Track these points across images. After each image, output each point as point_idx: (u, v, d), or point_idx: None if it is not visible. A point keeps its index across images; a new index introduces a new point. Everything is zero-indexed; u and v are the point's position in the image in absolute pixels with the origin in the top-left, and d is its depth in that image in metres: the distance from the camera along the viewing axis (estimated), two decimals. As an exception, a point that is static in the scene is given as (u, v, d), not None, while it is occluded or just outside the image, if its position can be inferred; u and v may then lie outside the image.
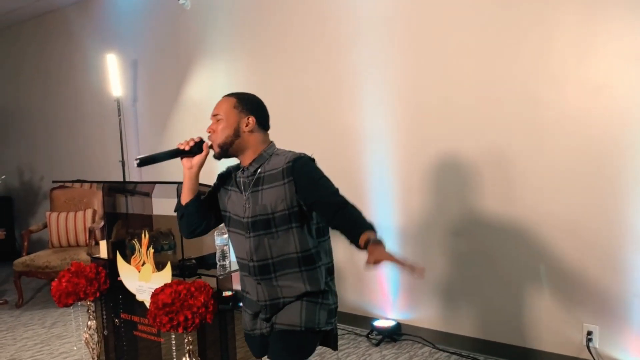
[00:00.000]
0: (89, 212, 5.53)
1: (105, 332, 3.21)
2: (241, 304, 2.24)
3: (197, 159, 2.01)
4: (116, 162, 5.56)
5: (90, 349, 3.11)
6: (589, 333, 3.21)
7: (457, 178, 3.63)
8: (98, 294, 3.04)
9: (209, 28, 4.90)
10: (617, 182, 3.07)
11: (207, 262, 2.92)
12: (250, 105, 1.98)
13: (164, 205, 3.00)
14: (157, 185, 2.95)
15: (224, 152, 1.97)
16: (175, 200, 2.18)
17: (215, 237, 2.80)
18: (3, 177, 5.67)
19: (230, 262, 2.84)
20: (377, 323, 3.97)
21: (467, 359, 3.58)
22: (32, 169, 7.00)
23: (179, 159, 2.08)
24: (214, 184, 2.15)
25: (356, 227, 1.77)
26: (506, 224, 3.46)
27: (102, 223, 5.62)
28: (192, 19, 5.01)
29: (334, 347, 2.10)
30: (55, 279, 3.02)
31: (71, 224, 5.48)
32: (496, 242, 3.52)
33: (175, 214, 2.17)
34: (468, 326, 3.69)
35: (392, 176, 3.93)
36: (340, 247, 4.12)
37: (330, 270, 2.05)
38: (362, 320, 4.12)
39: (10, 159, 7.20)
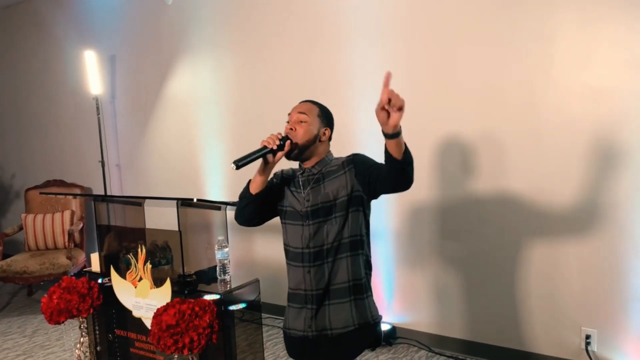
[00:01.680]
0: (67, 213, 5.34)
1: (99, 349, 3.09)
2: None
3: (279, 154, 2.03)
4: (96, 162, 5.36)
5: (83, 367, 3.00)
6: (587, 337, 3.23)
7: (453, 179, 3.60)
8: (92, 311, 2.91)
9: (192, 23, 4.74)
10: (616, 186, 3.07)
11: (207, 276, 2.82)
12: (329, 118, 2.12)
13: (156, 217, 2.90)
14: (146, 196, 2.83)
15: (299, 152, 2.05)
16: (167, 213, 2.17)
17: (216, 252, 2.72)
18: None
19: (230, 276, 2.75)
20: (372, 327, 3.93)
21: (464, 362, 3.58)
22: (3, 166, 6.72)
23: None
24: (273, 181, 2.18)
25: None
26: (503, 227, 3.44)
27: (81, 225, 5.46)
28: (174, 14, 4.84)
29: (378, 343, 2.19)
30: (45, 296, 2.88)
31: (48, 226, 5.29)
32: (493, 244, 3.50)
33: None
34: (464, 329, 3.69)
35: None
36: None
37: (369, 264, 2.13)
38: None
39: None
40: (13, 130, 6.50)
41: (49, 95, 6.02)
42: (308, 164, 2.11)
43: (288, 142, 2.02)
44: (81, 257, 5.22)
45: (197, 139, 4.85)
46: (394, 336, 3.92)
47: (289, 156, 2.05)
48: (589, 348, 3.23)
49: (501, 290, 3.51)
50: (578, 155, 3.17)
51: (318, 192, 2.05)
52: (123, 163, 5.44)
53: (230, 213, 2.47)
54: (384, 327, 3.91)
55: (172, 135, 5.04)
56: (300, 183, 2.11)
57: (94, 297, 2.92)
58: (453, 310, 3.72)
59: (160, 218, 2.95)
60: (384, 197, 3.82)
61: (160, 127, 5.11)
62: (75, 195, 3.39)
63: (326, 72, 4.05)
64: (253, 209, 2.08)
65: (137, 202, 3.00)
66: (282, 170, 2.21)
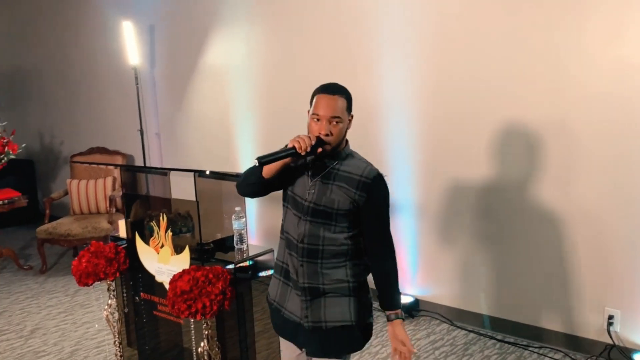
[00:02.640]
0: (109, 180, 5.55)
1: (126, 310, 3.25)
2: (272, 272, 2.24)
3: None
4: (135, 131, 5.54)
5: (112, 326, 3.16)
6: (610, 317, 3.18)
7: (480, 154, 3.55)
8: (118, 274, 3.06)
9: (227, -6, 4.78)
10: (646, 166, 2.97)
11: (225, 245, 2.91)
12: (350, 104, 2.02)
13: (181, 187, 2.99)
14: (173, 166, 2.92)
15: (332, 150, 1.97)
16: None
17: (233, 221, 2.79)
18: (24, 145, 5.69)
19: (247, 245, 2.83)
20: (395, 299, 3.97)
21: (485, 337, 3.58)
22: (53, 133, 7.02)
23: None
24: None
25: (390, 293, 2.02)
26: (530, 204, 3.38)
27: (122, 191, 5.67)
28: (209, -15, 4.88)
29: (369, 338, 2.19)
30: (75, 259, 3.04)
31: (92, 192, 5.52)
32: (519, 221, 3.45)
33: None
34: (487, 304, 3.68)
35: (414, 150, 3.86)
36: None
37: (368, 269, 2.09)
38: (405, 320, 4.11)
39: (32, 121, 7.22)
40: (62, 99, 6.76)
41: (92, 65, 6.21)
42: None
43: (320, 149, 1.93)
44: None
45: (231, 108, 4.93)
46: (416, 308, 3.95)
47: (320, 154, 1.95)
48: (611, 328, 3.17)
49: (525, 268, 3.47)
50: (607, 138, 3.07)
51: (324, 190, 1.97)
52: (162, 131, 5.60)
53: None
54: (407, 299, 3.94)
55: (207, 105, 5.13)
56: (311, 170, 2.02)
57: (120, 262, 3.05)
58: (476, 285, 3.71)
59: (188, 188, 3.05)
60: (411, 170, 3.83)
61: (196, 97, 5.21)
62: (100, 165, 3.52)
63: (359, 43, 4.02)
64: (257, 189, 2.05)
65: (161, 172, 3.11)
66: None
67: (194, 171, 2.70)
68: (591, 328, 3.27)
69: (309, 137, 1.91)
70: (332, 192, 1.97)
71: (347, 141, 2.06)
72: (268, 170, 1.99)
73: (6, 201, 5.16)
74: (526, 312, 3.51)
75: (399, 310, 2.01)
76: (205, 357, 2.60)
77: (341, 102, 1.96)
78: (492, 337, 3.56)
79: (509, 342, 3.49)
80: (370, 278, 2.08)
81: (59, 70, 6.71)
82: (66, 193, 5.69)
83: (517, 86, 3.34)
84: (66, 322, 4.13)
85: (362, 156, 2.08)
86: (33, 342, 3.83)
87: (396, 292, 2.03)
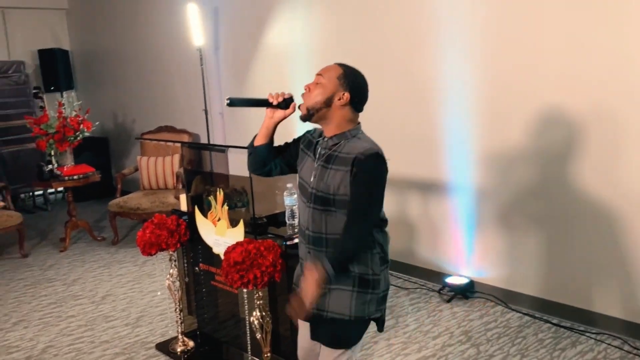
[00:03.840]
0: (176, 157, 5.79)
1: (187, 280, 3.43)
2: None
3: (279, 113, 2.05)
4: (200, 110, 5.73)
5: (173, 294, 3.34)
6: (673, 305, 3.06)
7: (542, 137, 3.47)
8: (179, 245, 3.22)
9: (288, -25, 4.83)
10: None
11: (278, 220, 3.01)
12: (352, 83, 1.95)
13: (239, 164, 3.10)
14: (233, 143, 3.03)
15: (309, 116, 1.97)
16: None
17: (285, 197, 2.88)
18: (97, 123, 6.00)
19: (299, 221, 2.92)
20: (450, 280, 3.97)
21: (540, 320, 3.53)
22: (125, 112, 7.37)
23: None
24: (297, 139, 2.17)
25: (334, 254, 1.89)
26: (591, 187, 3.28)
27: (183, 167, 5.90)
28: (272, -34, 4.95)
29: (381, 329, 2.12)
30: (140, 230, 3.22)
31: (160, 168, 5.77)
32: (577, 204, 3.36)
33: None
34: (542, 287, 3.62)
35: (472, 131, 3.81)
36: (413, 202, 4.11)
37: (383, 260, 2.02)
38: (435, 276, 4.13)
39: (105, 101, 7.60)
40: (133, 79, 7.07)
41: (160, 47, 6.45)
42: (327, 132, 1.99)
43: (293, 103, 1.99)
44: (187, 197, 5.68)
45: (290, 89, 5.00)
46: (471, 290, 3.93)
47: (303, 120, 1.98)
48: (674, 317, 3.06)
49: (580, 253, 3.39)
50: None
51: (323, 175, 1.94)
52: (226, 111, 5.77)
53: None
54: (462, 280, 3.93)
55: (268, 86, 5.22)
56: (317, 152, 2.01)
57: (181, 234, 3.21)
58: (532, 267, 3.65)
59: (245, 165, 3.16)
60: (469, 151, 3.79)
61: (258, 78, 5.32)
62: (161, 141, 3.69)
63: (423, 23, 3.98)
64: (255, 160, 2.12)
65: (220, 149, 3.23)
66: (315, 129, 2.12)
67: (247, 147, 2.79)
68: (650, 315, 3.16)
69: (287, 93, 2.04)
70: (329, 177, 1.92)
71: (358, 124, 2.00)
72: (257, 138, 2.11)
73: (81, 176, 5.49)
74: (584, 297, 3.42)
75: (328, 266, 1.83)
76: (257, 326, 2.71)
77: (334, 68, 1.97)
78: (547, 321, 3.51)
79: (564, 327, 3.42)
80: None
81: (130, 52, 7.00)
82: (136, 169, 5.98)
83: (575, 70, 3.23)
84: (134, 290, 4.39)
85: (371, 139, 1.98)
86: (103, 307, 4.10)
87: (339, 257, 1.88)
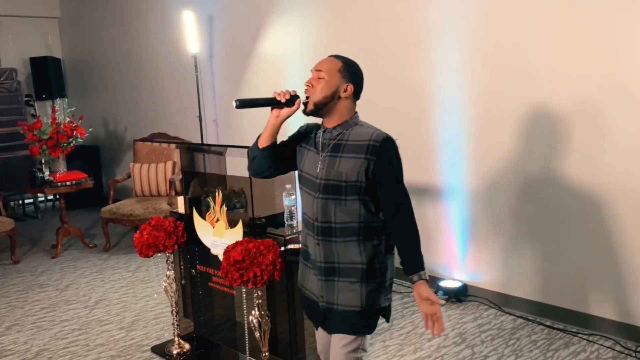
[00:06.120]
0: (169, 164, 5.80)
1: (183, 282, 3.43)
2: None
3: (285, 111, 2.04)
4: (194, 117, 5.75)
5: (169, 297, 3.34)
6: (664, 305, 3.12)
7: (532, 138, 3.53)
8: (176, 247, 3.23)
9: (283, -16, 4.90)
10: None
11: (276, 221, 3.03)
12: (352, 74, 2.01)
13: (236, 166, 3.13)
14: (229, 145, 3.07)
15: (316, 110, 1.99)
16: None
17: (284, 198, 2.90)
18: (90, 129, 6.01)
19: (297, 222, 2.94)
20: (443, 283, 4.01)
21: (534, 323, 3.57)
22: (116, 120, 7.37)
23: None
24: (293, 136, 2.19)
25: (410, 255, 1.98)
26: (582, 189, 3.35)
27: (182, 175, 5.91)
28: (267, -25, 5.02)
29: (387, 319, 2.15)
30: (137, 232, 3.23)
31: (153, 175, 5.77)
32: (570, 207, 3.42)
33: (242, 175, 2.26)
34: (535, 290, 3.66)
35: (464, 134, 3.87)
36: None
37: (389, 249, 2.07)
38: (429, 280, 4.15)
39: (97, 109, 7.58)
40: (126, 86, 7.08)
41: (154, 54, 6.48)
42: (329, 123, 2.03)
43: (298, 100, 2.01)
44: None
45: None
46: (464, 293, 3.97)
47: (308, 114, 2.00)
48: (664, 317, 3.12)
49: (575, 254, 3.44)
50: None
51: (333, 164, 1.98)
52: (220, 118, 5.80)
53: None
54: (455, 284, 3.97)
55: (262, 93, 5.27)
56: (320, 144, 2.04)
57: (179, 235, 3.23)
58: (525, 270, 3.70)
59: (242, 167, 3.19)
60: (462, 155, 3.85)
61: (252, 85, 5.37)
62: (157, 142, 3.71)
63: (414, 29, 4.05)
64: (261, 163, 2.11)
65: (218, 151, 3.27)
66: (307, 124, 2.17)
67: (248, 148, 2.82)
68: (642, 316, 3.22)
69: (292, 90, 2.04)
70: (340, 165, 1.97)
71: (356, 113, 2.05)
72: (262, 139, 2.08)
73: (74, 182, 5.48)
74: (576, 299, 3.48)
75: (422, 272, 1.95)
76: (255, 325, 2.73)
77: (332, 62, 2.00)
78: (540, 323, 3.55)
79: (557, 329, 3.47)
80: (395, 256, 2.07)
81: (123, 59, 7.02)
82: (129, 176, 5.97)
83: (570, 70, 3.31)
84: (127, 295, 4.38)
85: (372, 125, 2.05)
86: (97, 312, 4.09)
87: (416, 254, 1.97)
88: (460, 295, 3.94)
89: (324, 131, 2.06)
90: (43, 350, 3.51)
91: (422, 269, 1.96)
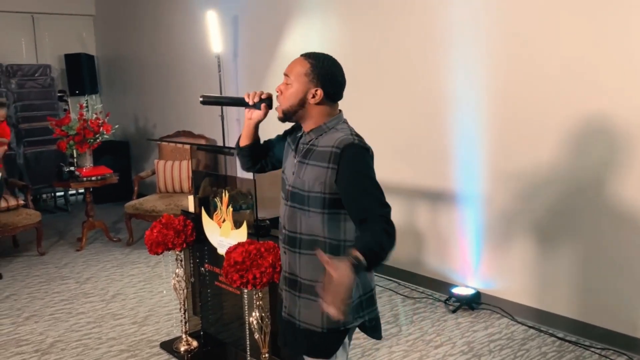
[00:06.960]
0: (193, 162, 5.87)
1: (192, 280, 3.48)
2: None
3: (256, 114, 1.99)
4: (216, 116, 5.82)
5: (178, 294, 3.39)
6: (680, 322, 3.01)
7: (556, 147, 3.45)
8: (185, 245, 3.28)
9: (306, -16, 4.91)
10: None
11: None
12: (322, 76, 1.82)
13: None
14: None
15: (287, 118, 1.88)
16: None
17: (289, 201, 2.91)
18: (117, 126, 6.14)
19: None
20: (456, 290, 3.95)
21: (546, 334, 3.49)
22: (146, 116, 7.51)
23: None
24: (286, 132, 2.10)
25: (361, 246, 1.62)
26: (606, 202, 3.26)
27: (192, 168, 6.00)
28: (290, -25, 5.03)
29: (377, 337, 1.96)
30: (148, 229, 3.29)
31: (176, 172, 5.86)
32: (590, 218, 3.33)
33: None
34: (550, 301, 3.58)
35: (482, 141, 3.80)
36: (422, 211, 4.11)
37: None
38: (441, 286, 4.12)
39: (128, 105, 7.75)
40: (154, 84, 7.21)
41: (181, 53, 6.58)
42: (305, 127, 1.90)
43: (264, 105, 1.94)
44: (201, 201, 5.76)
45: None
46: (477, 301, 3.91)
47: (282, 121, 1.91)
48: (680, 334, 3.01)
49: (594, 268, 3.35)
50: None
51: (299, 171, 1.85)
52: (242, 118, 5.83)
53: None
54: (468, 291, 3.92)
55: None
56: (298, 147, 1.92)
57: (188, 234, 3.27)
58: (541, 281, 3.62)
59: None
60: (478, 161, 3.79)
61: (274, 85, 5.35)
62: (170, 142, 3.76)
63: (435, 32, 4.01)
64: (244, 160, 2.11)
65: (229, 152, 3.29)
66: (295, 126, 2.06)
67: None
68: (658, 332, 3.11)
69: (266, 93, 1.98)
70: (305, 173, 1.82)
71: (337, 115, 1.89)
72: (241, 139, 2.07)
73: (99, 177, 5.61)
74: (591, 312, 3.38)
75: (362, 258, 1.56)
76: (255, 326, 2.74)
77: (300, 64, 1.85)
78: (552, 335, 3.47)
79: (569, 341, 3.38)
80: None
81: (153, 57, 7.15)
82: (154, 172, 6.08)
83: (594, 77, 3.22)
84: (144, 290, 4.46)
85: (350, 128, 1.87)
86: (113, 305, 4.18)
87: (371, 243, 1.63)
88: (473, 303, 3.88)
89: (303, 134, 1.93)
90: (57, 342, 3.60)
91: (367, 259, 1.57)
